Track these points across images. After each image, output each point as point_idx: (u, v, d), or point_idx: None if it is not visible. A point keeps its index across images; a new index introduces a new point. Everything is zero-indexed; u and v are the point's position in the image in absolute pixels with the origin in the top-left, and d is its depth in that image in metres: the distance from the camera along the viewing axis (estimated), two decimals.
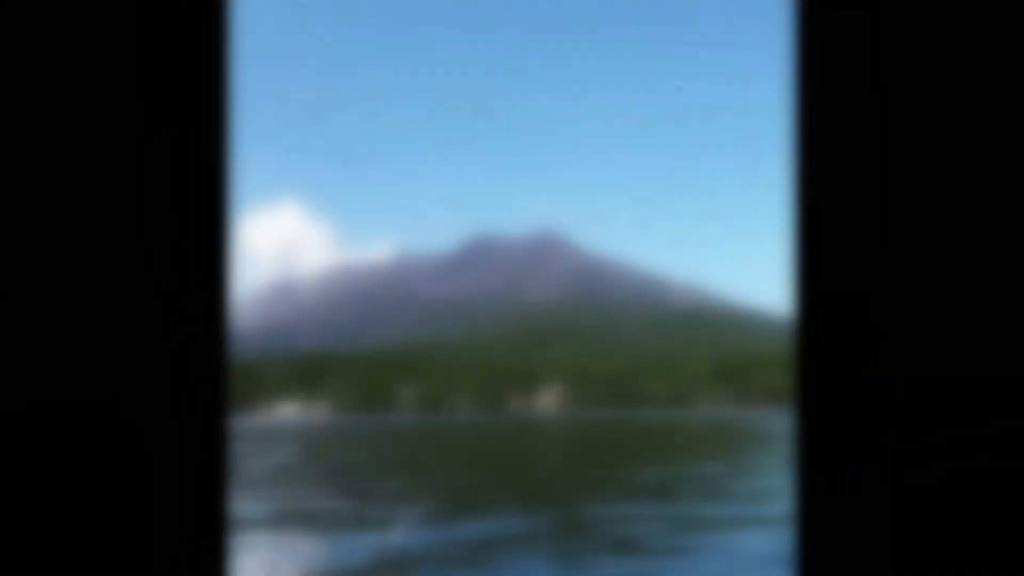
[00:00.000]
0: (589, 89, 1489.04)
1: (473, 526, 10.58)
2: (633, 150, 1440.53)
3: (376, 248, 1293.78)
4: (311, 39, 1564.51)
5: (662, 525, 11.05)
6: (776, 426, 58.17)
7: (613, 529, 10.68)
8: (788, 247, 2.24)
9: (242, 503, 10.63)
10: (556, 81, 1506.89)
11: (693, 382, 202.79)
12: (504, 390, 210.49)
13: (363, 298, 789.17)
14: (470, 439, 35.21)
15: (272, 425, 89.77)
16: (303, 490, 12.36)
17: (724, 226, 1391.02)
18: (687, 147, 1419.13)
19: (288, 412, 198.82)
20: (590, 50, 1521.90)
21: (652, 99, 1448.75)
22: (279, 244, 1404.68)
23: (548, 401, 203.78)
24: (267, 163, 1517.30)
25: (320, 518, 10.72)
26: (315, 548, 8.47)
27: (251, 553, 8.43)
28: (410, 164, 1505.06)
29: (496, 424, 55.03)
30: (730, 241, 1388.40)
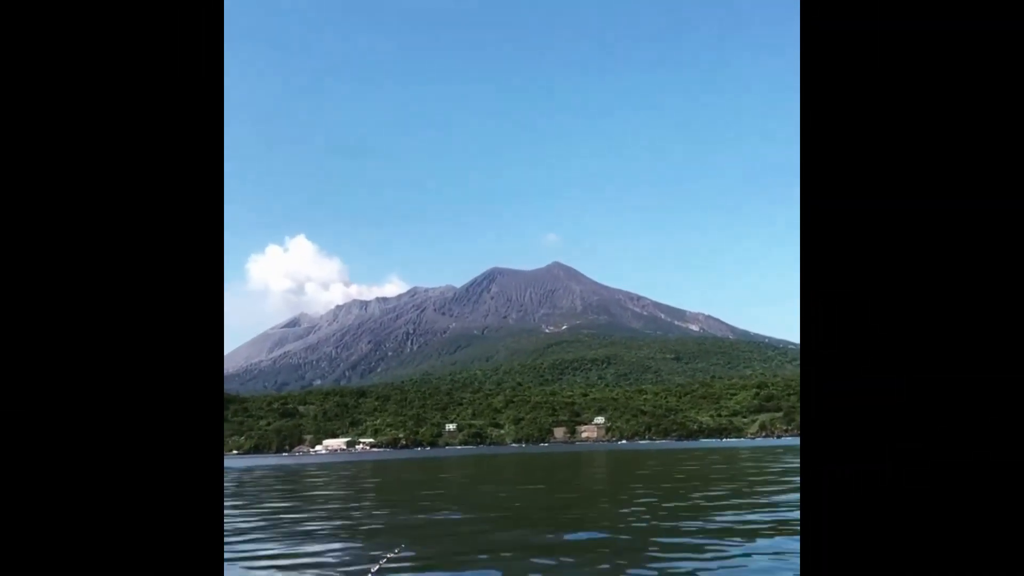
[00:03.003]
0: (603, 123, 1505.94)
1: None
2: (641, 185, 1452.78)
3: (388, 282, 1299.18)
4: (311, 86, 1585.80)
5: None
6: None
7: None
8: (798, 254, 2.28)
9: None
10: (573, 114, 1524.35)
11: (738, 411, 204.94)
12: (546, 422, 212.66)
13: (377, 332, 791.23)
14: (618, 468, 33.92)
15: (334, 461, 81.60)
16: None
17: (730, 256, 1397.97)
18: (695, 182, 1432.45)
19: (335, 448, 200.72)
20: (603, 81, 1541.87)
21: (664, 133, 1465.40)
22: (291, 280, 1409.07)
23: (592, 433, 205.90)
24: (278, 203, 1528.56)
25: None
26: None
27: None
28: (420, 203, 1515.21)
29: (608, 454, 54.43)
30: (737, 272, 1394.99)
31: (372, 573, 4.69)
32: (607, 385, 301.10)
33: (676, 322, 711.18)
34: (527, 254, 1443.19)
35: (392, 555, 5.36)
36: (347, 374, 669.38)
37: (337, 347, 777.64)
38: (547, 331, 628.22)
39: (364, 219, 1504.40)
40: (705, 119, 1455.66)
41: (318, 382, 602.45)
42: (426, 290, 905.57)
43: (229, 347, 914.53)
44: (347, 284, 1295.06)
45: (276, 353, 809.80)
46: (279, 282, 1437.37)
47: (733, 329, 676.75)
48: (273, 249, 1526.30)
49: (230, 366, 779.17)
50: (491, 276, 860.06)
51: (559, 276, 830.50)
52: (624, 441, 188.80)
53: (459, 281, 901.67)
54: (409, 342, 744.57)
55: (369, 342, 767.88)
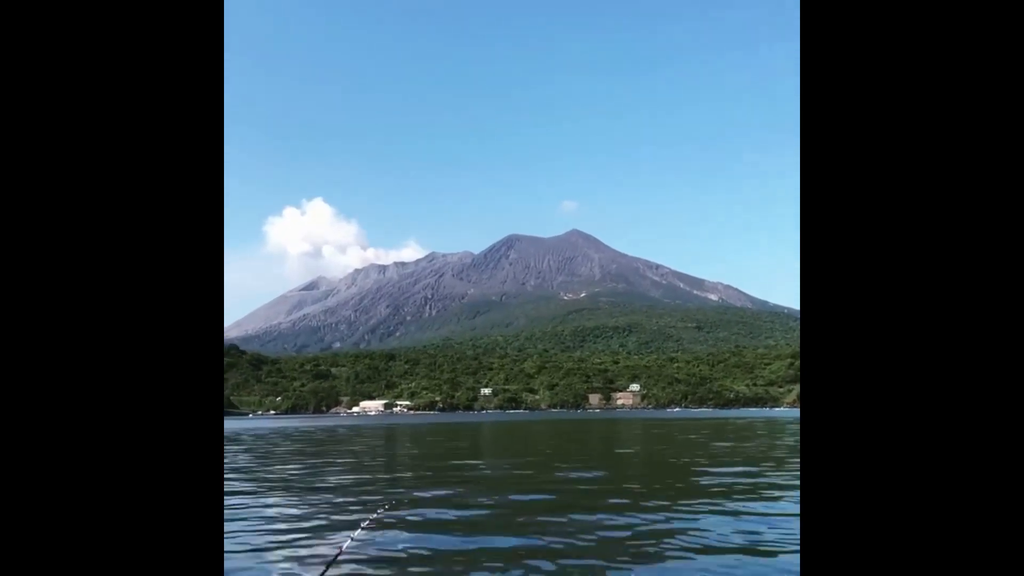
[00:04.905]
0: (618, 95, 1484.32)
1: None
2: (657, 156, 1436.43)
3: (406, 246, 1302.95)
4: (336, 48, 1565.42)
5: None
6: None
7: None
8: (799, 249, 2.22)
9: None
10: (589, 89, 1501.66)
11: (773, 381, 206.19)
12: (581, 388, 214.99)
13: (396, 296, 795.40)
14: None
15: (382, 423, 75.33)
16: None
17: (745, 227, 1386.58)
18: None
19: (373, 410, 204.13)
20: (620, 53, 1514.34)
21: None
22: (309, 243, 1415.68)
23: (627, 400, 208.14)
24: (296, 167, 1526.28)
25: None
26: None
27: None
28: (437, 168, 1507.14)
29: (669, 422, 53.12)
30: (752, 241, 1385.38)
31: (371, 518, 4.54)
32: (630, 353, 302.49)
33: (695, 291, 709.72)
34: (545, 221, 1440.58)
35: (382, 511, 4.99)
36: (366, 337, 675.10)
37: (356, 311, 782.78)
38: (566, 298, 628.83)
39: (381, 183, 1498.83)
40: (722, 81, 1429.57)
41: (337, 344, 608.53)
42: (444, 255, 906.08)
43: (248, 309, 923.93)
44: (364, 248, 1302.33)
45: (295, 316, 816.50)
46: (297, 245, 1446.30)
47: (752, 299, 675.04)
48: (290, 212, 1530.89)
49: (249, 327, 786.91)
50: (509, 242, 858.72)
51: (577, 243, 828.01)
52: (677, 408, 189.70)
53: (477, 247, 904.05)
54: (428, 307, 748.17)
55: (388, 306, 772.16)
